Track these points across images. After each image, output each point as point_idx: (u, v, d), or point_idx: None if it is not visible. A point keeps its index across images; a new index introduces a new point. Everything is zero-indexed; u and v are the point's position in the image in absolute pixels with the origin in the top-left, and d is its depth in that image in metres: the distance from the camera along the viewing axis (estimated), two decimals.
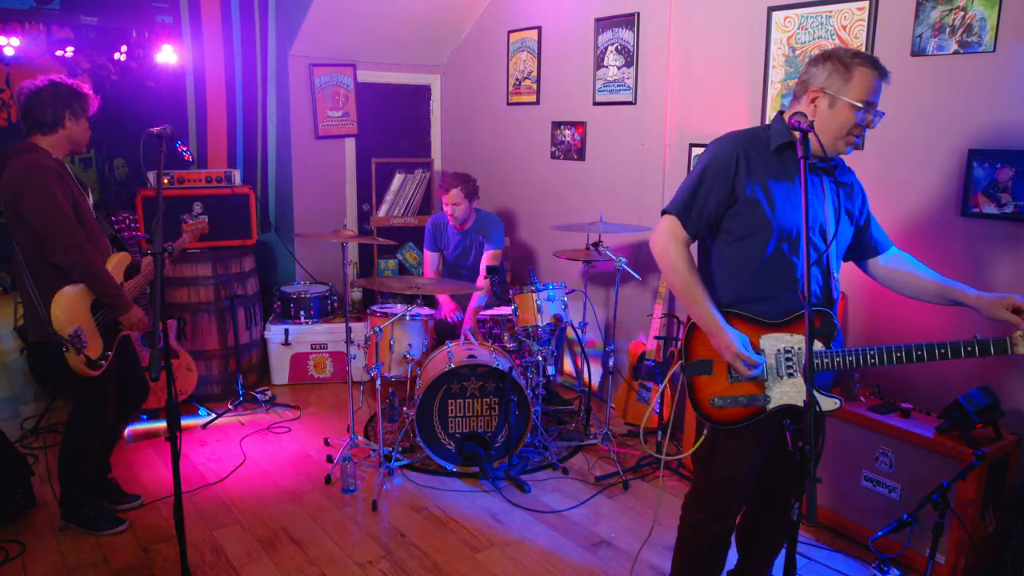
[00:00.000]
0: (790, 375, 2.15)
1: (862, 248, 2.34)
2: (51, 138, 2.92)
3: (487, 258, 4.66)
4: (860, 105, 2.06)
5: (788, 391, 2.15)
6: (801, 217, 1.92)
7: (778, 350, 2.15)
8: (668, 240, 2.20)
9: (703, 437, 2.28)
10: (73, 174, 3.01)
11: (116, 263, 3.11)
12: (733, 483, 2.31)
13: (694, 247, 2.30)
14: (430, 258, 4.87)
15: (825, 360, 2.10)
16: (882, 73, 2.09)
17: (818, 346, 2.11)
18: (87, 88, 3.01)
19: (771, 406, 2.16)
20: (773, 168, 2.15)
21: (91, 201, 3.09)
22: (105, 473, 3.41)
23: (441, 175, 4.66)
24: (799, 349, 2.13)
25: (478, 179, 4.71)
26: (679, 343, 2.35)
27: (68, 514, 3.21)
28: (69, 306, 2.90)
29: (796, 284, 2.13)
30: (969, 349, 2.00)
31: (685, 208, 2.19)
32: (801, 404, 2.12)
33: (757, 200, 2.12)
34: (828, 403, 2.11)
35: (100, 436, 3.17)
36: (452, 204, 4.56)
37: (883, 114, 2.12)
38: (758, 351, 2.15)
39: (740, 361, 2.11)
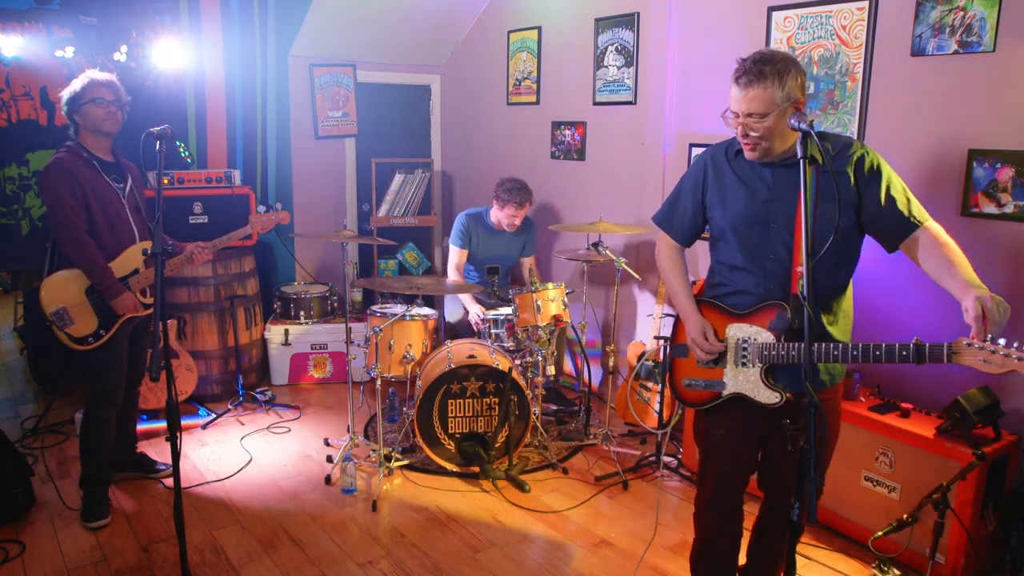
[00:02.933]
0: (743, 364, 2.23)
1: (880, 237, 2.17)
2: (81, 137, 3.22)
3: (531, 263, 4.86)
4: (726, 113, 2.15)
5: (741, 380, 2.24)
6: (745, 212, 2.19)
7: (738, 339, 2.24)
8: (658, 243, 2.53)
9: (675, 416, 2.39)
10: (102, 165, 3.23)
11: (132, 251, 3.29)
12: (716, 470, 2.39)
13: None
14: (458, 255, 4.73)
15: (773, 353, 2.16)
16: (736, 77, 2.09)
17: (769, 338, 2.18)
18: (89, 77, 3.18)
19: (725, 392, 2.27)
20: (742, 170, 2.24)
21: (128, 188, 3.33)
22: (133, 450, 3.72)
23: (506, 187, 4.50)
24: (754, 340, 2.20)
25: (478, 179, 4.71)
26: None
27: (83, 497, 3.34)
28: (55, 287, 3.20)
29: (763, 278, 2.21)
30: (904, 354, 1.93)
31: (665, 217, 2.48)
32: (751, 395, 2.22)
33: (717, 204, 2.30)
34: (768, 396, 2.19)
35: (108, 412, 3.32)
36: (515, 218, 4.57)
37: (763, 119, 2.03)
38: (723, 339, 2.26)
39: (696, 346, 2.29)
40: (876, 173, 2.12)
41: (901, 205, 2.11)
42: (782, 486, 2.38)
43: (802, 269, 2.08)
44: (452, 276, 4.74)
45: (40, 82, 4.41)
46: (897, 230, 2.12)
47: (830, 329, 2.21)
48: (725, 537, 2.47)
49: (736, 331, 2.24)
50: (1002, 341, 1.80)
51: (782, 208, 2.16)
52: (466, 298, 4.56)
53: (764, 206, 2.19)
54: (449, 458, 3.78)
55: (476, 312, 4.41)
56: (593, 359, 4.90)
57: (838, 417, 2.39)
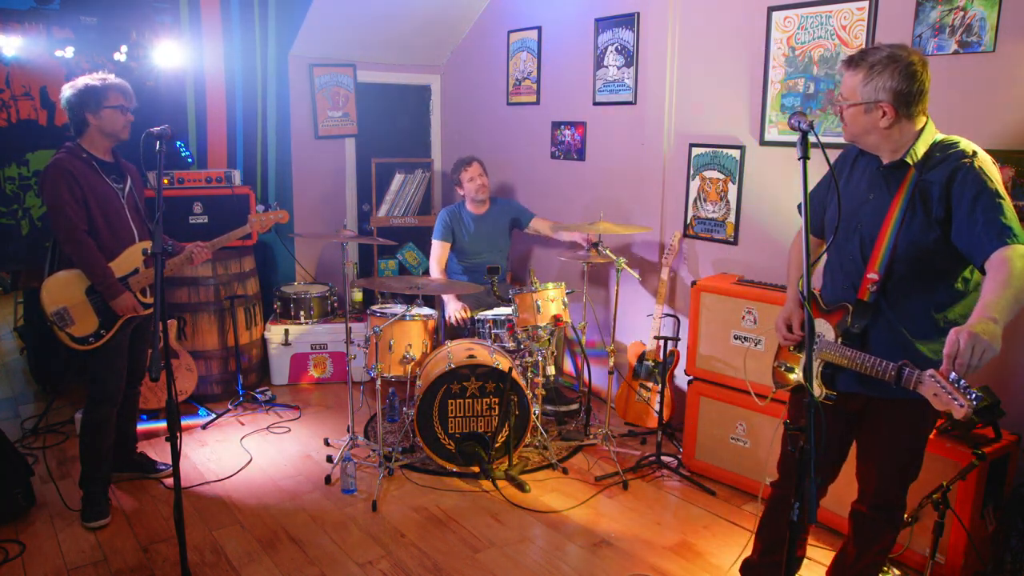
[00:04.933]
0: None
1: (966, 253, 2.03)
2: (85, 137, 3.21)
3: (538, 223, 4.86)
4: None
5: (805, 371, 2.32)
6: (841, 216, 2.19)
7: (818, 333, 2.33)
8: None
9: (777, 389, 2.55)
10: (101, 166, 3.23)
11: (132, 251, 3.30)
12: (781, 450, 2.53)
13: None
14: (440, 248, 4.77)
15: (823, 350, 2.26)
16: (844, 58, 2.20)
17: (833, 336, 2.25)
18: (105, 79, 3.22)
19: (793, 378, 2.43)
20: (858, 170, 2.28)
21: (127, 188, 3.33)
22: (133, 450, 3.71)
23: (452, 165, 4.78)
24: (824, 336, 2.31)
25: None
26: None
27: (83, 497, 3.34)
28: (56, 288, 3.21)
29: (843, 278, 2.27)
30: (892, 374, 1.99)
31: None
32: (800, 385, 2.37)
33: (830, 201, 2.34)
34: (816, 390, 2.28)
35: (108, 412, 3.32)
36: (478, 176, 4.64)
37: (848, 106, 2.16)
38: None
39: (776, 331, 2.44)
40: (968, 188, 1.98)
41: (984, 224, 1.93)
42: (866, 480, 2.43)
43: (873, 276, 2.16)
44: (434, 272, 4.77)
45: (40, 82, 4.41)
46: (978, 250, 1.95)
47: (921, 348, 2.12)
48: (782, 517, 2.43)
49: (818, 325, 2.33)
50: (963, 382, 1.75)
51: (869, 211, 2.18)
52: (447, 296, 4.59)
53: (856, 207, 2.20)
54: (449, 458, 3.78)
55: (456, 310, 4.48)
56: (593, 359, 4.90)
57: (916, 430, 2.28)
